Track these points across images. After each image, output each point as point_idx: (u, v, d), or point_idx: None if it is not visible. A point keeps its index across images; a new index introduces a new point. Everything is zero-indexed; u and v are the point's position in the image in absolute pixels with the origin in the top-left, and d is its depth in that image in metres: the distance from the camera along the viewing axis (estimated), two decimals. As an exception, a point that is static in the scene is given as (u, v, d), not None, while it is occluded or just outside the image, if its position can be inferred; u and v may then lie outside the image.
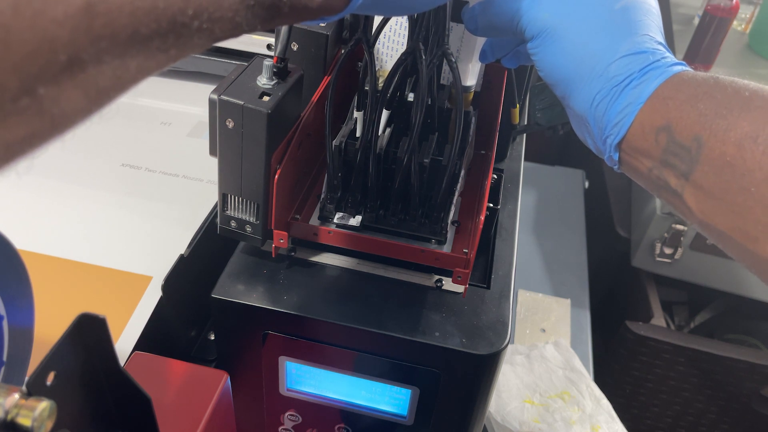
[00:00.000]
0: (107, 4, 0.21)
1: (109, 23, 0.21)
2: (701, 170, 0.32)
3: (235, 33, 0.26)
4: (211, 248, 0.54)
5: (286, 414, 0.53)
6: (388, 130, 0.50)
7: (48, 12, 0.19)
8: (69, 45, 0.20)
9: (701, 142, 0.32)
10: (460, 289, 0.48)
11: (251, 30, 0.27)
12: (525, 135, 0.69)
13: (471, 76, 0.51)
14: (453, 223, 0.51)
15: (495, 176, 0.60)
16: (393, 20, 0.49)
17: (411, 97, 0.51)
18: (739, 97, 0.32)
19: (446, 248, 0.48)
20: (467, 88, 0.52)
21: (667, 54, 0.36)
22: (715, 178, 0.32)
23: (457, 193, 0.50)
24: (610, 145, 0.36)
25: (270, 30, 0.38)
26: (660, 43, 0.36)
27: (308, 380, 0.50)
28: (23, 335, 0.38)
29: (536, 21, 0.37)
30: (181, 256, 0.52)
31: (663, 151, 0.34)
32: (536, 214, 1.28)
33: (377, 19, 0.47)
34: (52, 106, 0.21)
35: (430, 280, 0.49)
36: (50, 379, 0.28)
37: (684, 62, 0.35)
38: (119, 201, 0.62)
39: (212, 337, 0.59)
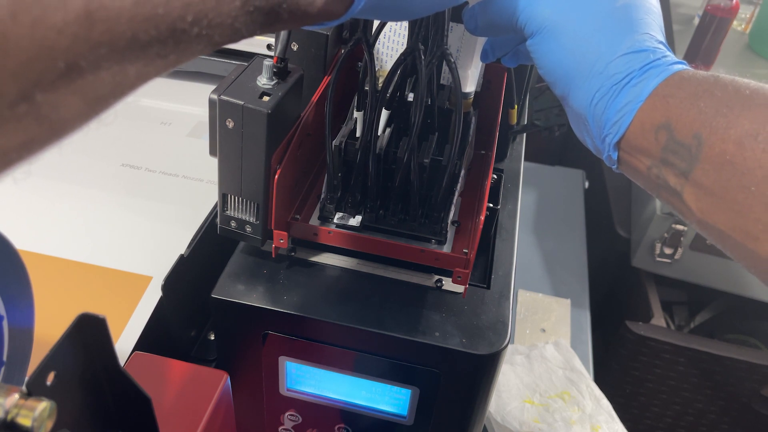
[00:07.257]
0: (106, 11, 0.21)
1: (108, 30, 0.21)
2: (701, 168, 0.32)
3: (235, 39, 0.26)
4: (211, 248, 0.54)
5: (286, 414, 0.53)
6: (388, 130, 0.50)
7: (47, 19, 0.19)
8: (67, 52, 0.20)
9: (701, 140, 0.32)
10: (460, 289, 0.48)
11: (250, 35, 0.27)
12: (525, 135, 0.69)
13: (471, 82, 0.51)
14: (453, 223, 0.51)
15: (495, 176, 0.60)
16: (393, 20, 0.49)
17: (411, 97, 0.51)
18: (739, 95, 0.32)
19: (446, 248, 0.48)
20: (467, 95, 0.51)
21: (668, 53, 0.35)
22: (715, 176, 0.31)
23: (457, 193, 0.50)
24: (609, 144, 0.36)
25: (270, 31, 0.38)
26: (661, 42, 0.36)
27: (308, 380, 0.50)
28: (23, 335, 0.38)
29: (536, 17, 0.37)
30: (181, 256, 0.52)
31: (662, 149, 0.34)
32: (536, 214, 1.28)
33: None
34: (50, 112, 0.21)
35: (430, 280, 0.49)
36: (50, 379, 0.28)
37: (684, 61, 0.35)
38: (119, 201, 0.62)
39: (212, 337, 0.59)
